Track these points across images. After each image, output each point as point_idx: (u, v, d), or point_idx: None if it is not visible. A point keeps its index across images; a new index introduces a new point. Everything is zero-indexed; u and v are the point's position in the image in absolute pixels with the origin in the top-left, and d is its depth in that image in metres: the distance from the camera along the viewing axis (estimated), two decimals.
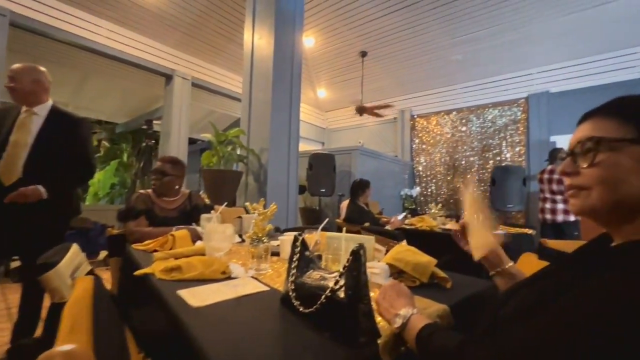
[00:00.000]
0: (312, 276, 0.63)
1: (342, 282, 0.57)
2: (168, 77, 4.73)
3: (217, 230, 1.17)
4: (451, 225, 2.66)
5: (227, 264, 0.97)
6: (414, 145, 6.22)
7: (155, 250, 1.22)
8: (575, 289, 0.39)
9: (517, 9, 3.53)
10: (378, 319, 0.63)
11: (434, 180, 5.93)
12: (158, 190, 1.70)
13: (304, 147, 6.72)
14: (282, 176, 2.75)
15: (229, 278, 0.92)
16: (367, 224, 2.61)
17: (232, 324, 0.60)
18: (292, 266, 0.67)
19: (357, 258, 0.57)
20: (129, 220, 1.54)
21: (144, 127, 6.75)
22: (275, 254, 1.26)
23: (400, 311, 0.57)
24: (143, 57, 4.30)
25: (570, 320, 0.35)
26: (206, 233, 1.20)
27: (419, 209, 5.67)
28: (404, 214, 2.75)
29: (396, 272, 0.95)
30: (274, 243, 1.32)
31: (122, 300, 1.13)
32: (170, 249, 1.20)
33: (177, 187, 1.75)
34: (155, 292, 0.81)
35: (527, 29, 3.79)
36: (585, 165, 0.47)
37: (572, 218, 3.50)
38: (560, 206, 3.58)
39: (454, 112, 5.77)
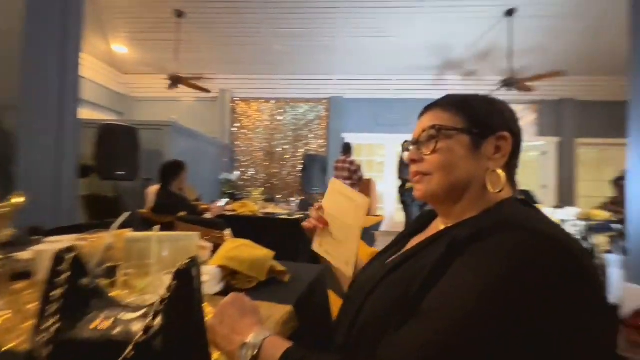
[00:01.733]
0: (95, 322, 0.36)
1: (158, 322, 0.35)
2: None
3: None
4: (273, 209, 2.74)
5: None
6: (234, 129, 6.06)
7: None
8: (434, 278, 0.38)
9: (326, 20, 4.05)
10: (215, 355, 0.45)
11: (253, 165, 6.05)
12: None
13: (91, 114, 5.08)
14: (48, 151, 1.88)
15: None
16: (182, 214, 2.24)
17: None
18: (50, 310, 0.36)
19: (187, 282, 0.36)
20: None
21: None
22: (25, 275, 0.77)
23: (247, 338, 0.42)
24: None
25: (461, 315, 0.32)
26: None
27: (238, 193, 5.62)
28: (227, 200, 2.58)
29: (228, 274, 0.78)
30: (23, 256, 0.81)
31: None
32: None
33: None
34: None
35: (333, 40, 4.45)
36: (428, 153, 0.50)
37: None
38: None
39: (273, 101, 6.06)
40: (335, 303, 0.98)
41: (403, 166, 3.51)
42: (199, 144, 4.67)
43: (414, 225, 0.65)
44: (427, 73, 5.38)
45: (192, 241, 0.85)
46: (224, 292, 0.73)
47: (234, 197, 4.63)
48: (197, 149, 4.58)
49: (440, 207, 0.53)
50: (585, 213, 2.76)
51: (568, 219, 2.69)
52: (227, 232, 1.88)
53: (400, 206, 3.88)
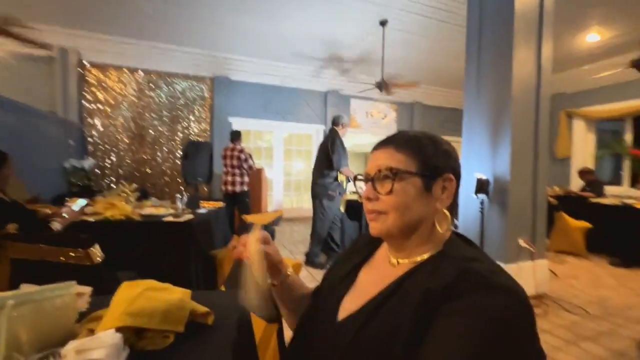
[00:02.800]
0: None
1: None
2: None
3: None
4: (153, 209, 2.30)
5: None
6: (85, 103, 4.74)
7: None
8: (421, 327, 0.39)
9: None
10: None
11: (114, 150, 4.94)
12: None
13: None
14: None
15: None
16: (13, 227, 1.61)
17: None
18: None
19: None
20: None
21: None
22: None
23: None
24: None
25: None
26: None
27: (94, 186, 4.49)
28: (85, 201, 1.98)
29: (132, 335, 0.60)
30: None
31: None
32: None
33: None
34: None
35: (221, 14, 3.98)
36: (384, 193, 0.51)
37: (245, 188, 4.30)
38: (237, 179, 4.28)
39: (141, 72, 5.04)
40: (257, 324, 0.91)
41: (342, 156, 3.30)
42: (27, 121, 3.44)
43: (357, 253, 0.65)
44: (312, 64, 5.56)
45: (67, 294, 0.61)
46: None
47: (90, 192, 3.69)
48: (24, 127, 3.36)
49: (394, 243, 0.55)
50: None
51: None
52: (95, 248, 1.48)
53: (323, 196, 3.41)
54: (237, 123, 5.61)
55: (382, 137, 0.58)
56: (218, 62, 5.31)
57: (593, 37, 4.39)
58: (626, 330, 2.02)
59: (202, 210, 2.49)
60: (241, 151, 4.22)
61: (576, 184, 5.24)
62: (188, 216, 2.20)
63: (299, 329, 0.60)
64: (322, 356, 0.49)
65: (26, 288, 0.66)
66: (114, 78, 4.92)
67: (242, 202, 4.31)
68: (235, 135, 4.33)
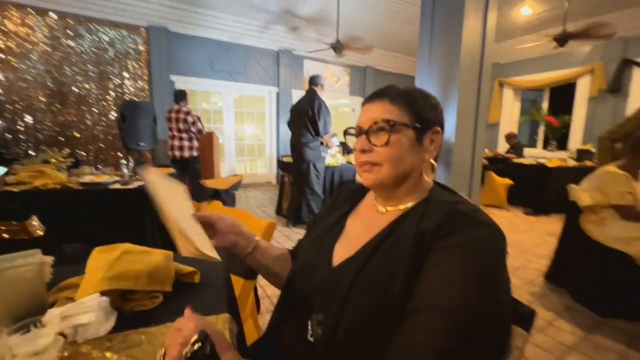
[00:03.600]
0: None
1: None
2: None
3: None
4: (94, 177, 2.06)
5: None
6: None
7: None
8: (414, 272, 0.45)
9: None
10: None
11: (29, 110, 4.18)
12: None
13: None
14: None
15: None
16: None
17: None
18: None
19: None
20: None
21: None
22: None
23: None
24: None
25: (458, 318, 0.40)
26: None
27: (5, 153, 3.82)
28: (4, 169, 1.68)
29: (117, 298, 0.58)
30: None
31: None
32: None
33: None
34: None
35: None
36: (380, 144, 0.53)
37: (195, 154, 4.05)
38: (186, 143, 4.00)
39: (53, 15, 4.19)
40: (235, 282, 0.93)
41: (327, 121, 3.25)
42: None
43: (342, 204, 0.68)
44: (263, 17, 5.16)
45: (33, 262, 0.56)
46: (118, 325, 0.54)
47: (3, 161, 3.16)
48: None
49: (384, 192, 0.58)
50: None
51: None
52: (34, 220, 1.32)
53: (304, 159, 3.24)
54: (180, 82, 5.10)
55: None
56: (153, 10, 4.63)
57: (526, 10, 4.77)
58: (534, 264, 2.50)
59: None
60: (187, 113, 3.90)
61: (503, 146, 5.95)
62: (138, 183, 2.04)
63: (292, 280, 0.62)
64: (323, 301, 0.52)
65: None
66: (16, 20, 4.02)
67: (193, 168, 4.08)
68: (180, 95, 3.96)
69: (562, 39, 4.07)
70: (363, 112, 0.57)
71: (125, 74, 4.72)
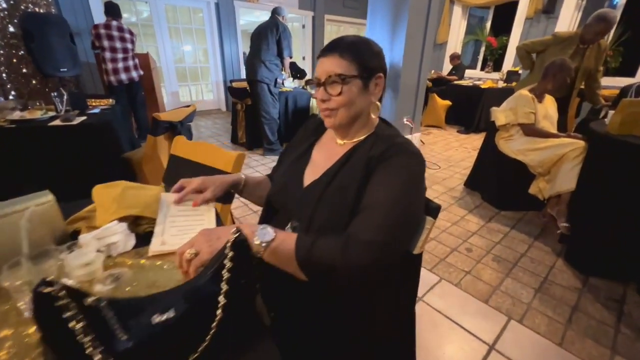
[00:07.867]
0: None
1: (225, 288, 0.42)
2: None
3: None
4: (26, 113, 1.85)
5: None
6: None
7: None
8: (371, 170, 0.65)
9: None
10: None
11: None
12: None
13: None
14: None
15: None
16: None
17: None
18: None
19: (244, 250, 0.43)
20: None
21: None
22: None
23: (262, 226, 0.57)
24: None
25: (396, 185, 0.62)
26: None
27: None
28: None
29: (131, 223, 0.71)
30: None
31: None
32: None
33: None
34: None
35: None
36: (334, 94, 0.67)
37: (136, 78, 3.62)
38: (130, 62, 3.52)
39: None
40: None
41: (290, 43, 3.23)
42: None
43: (308, 136, 0.84)
44: None
45: (47, 201, 0.65)
46: (137, 242, 0.69)
47: None
48: None
49: (342, 131, 0.74)
50: None
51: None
52: None
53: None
54: None
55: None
56: None
57: None
58: (458, 175, 3.03)
59: (94, 110, 2.15)
60: (129, 31, 3.43)
61: (447, 67, 6.23)
62: (80, 118, 1.91)
63: (272, 198, 0.80)
64: (297, 212, 0.71)
65: None
66: None
67: (139, 95, 3.70)
68: (112, 8, 3.34)
69: None
70: (319, 65, 0.69)
71: None
